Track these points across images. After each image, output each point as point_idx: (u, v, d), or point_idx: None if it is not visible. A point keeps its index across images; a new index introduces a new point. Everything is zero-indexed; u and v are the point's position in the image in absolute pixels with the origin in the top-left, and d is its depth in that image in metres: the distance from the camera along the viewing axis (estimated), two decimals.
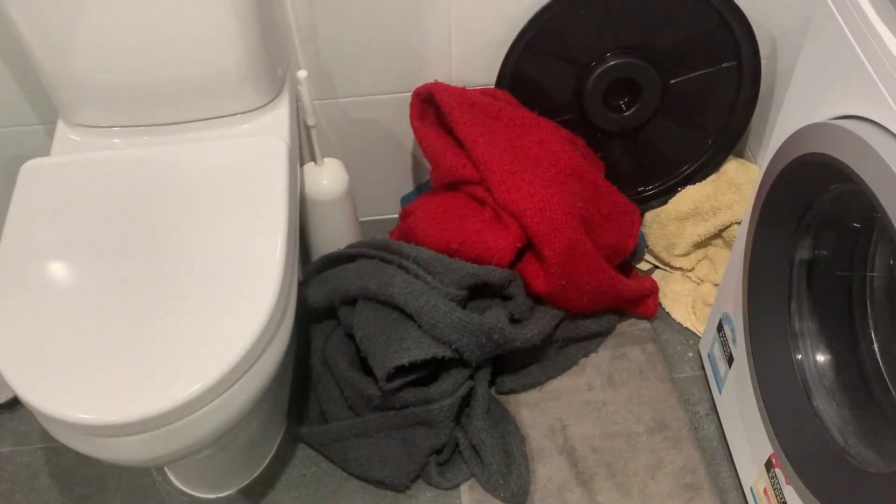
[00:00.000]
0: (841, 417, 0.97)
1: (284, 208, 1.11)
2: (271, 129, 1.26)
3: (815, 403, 0.98)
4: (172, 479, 1.33)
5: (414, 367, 1.26)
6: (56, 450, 1.38)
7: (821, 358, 1.01)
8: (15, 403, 1.43)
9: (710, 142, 1.53)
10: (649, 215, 1.58)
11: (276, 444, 1.38)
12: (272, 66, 1.26)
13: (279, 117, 1.29)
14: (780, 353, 1.03)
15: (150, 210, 1.11)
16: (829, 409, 0.98)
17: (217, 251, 1.07)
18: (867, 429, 0.94)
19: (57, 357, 0.97)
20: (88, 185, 1.15)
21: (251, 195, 1.13)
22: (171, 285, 1.03)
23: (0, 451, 1.39)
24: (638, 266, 1.61)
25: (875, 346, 1.00)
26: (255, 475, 1.34)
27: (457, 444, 1.34)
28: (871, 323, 0.99)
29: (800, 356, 1.02)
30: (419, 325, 1.26)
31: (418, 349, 1.24)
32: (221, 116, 1.27)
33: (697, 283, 1.55)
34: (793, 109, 0.99)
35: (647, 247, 1.59)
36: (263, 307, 1.01)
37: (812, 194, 0.96)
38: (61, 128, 1.28)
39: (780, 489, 1.12)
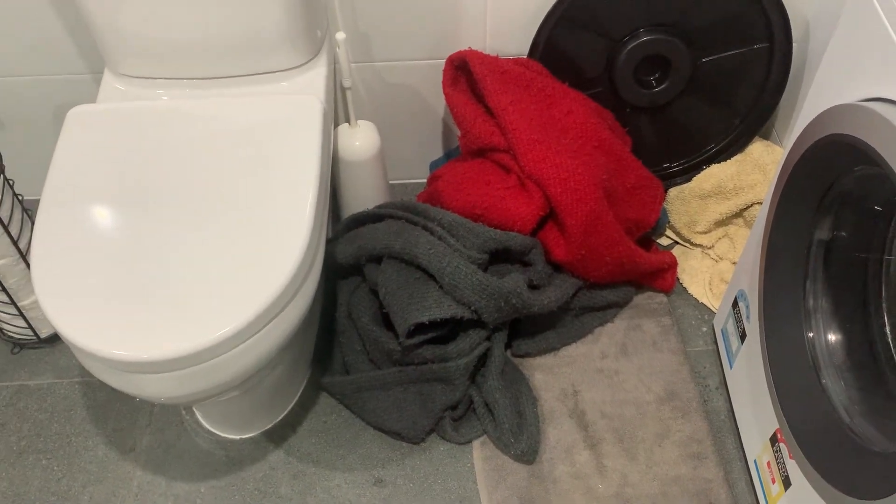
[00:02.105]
0: (848, 396, 0.95)
1: (316, 165, 1.11)
2: (308, 89, 1.26)
3: (823, 381, 0.97)
4: (200, 418, 1.35)
5: (433, 325, 1.26)
6: (93, 384, 1.41)
7: (832, 337, 0.99)
8: (56, 338, 1.46)
9: (737, 122, 1.49)
10: (673, 191, 1.56)
11: (300, 391, 1.39)
12: (311, 26, 1.25)
13: (316, 77, 1.28)
14: (793, 331, 1.02)
15: (189, 159, 1.12)
16: (836, 387, 0.96)
17: (251, 202, 1.07)
18: (873, 408, 0.93)
19: (95, 295, 0.98)
20: (130, 132, 1.16)
21: (286, 151, 1.13)
22: (206, 233, 1.04)
23: (40, 383, 1.42)
24: (659, 241, 1.59)
25: (887, 328, 0.98)
26: (278, 419, 1.36)
27: (471, 402, 1.34)
28: (884, 305, 0.97)
29: (811, 334, 1.00)
30: (440, 286, 1.26)
31: (438, 308, 1.24)
32: (261, 73, 1.27)
33: (716, 261, 1.53)
34: (821, 90, 0.96)
35: (669, 222, 1.57)
36: (292, 258, 1.01)
37: (835, 175, 0.93)
38: (108, 77, 1.29)
39: (784, 463, 1.11)
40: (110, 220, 1.05)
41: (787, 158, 1.01)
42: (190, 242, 1.03)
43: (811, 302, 1.00)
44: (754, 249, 1.18)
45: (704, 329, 1.47)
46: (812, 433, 0.97)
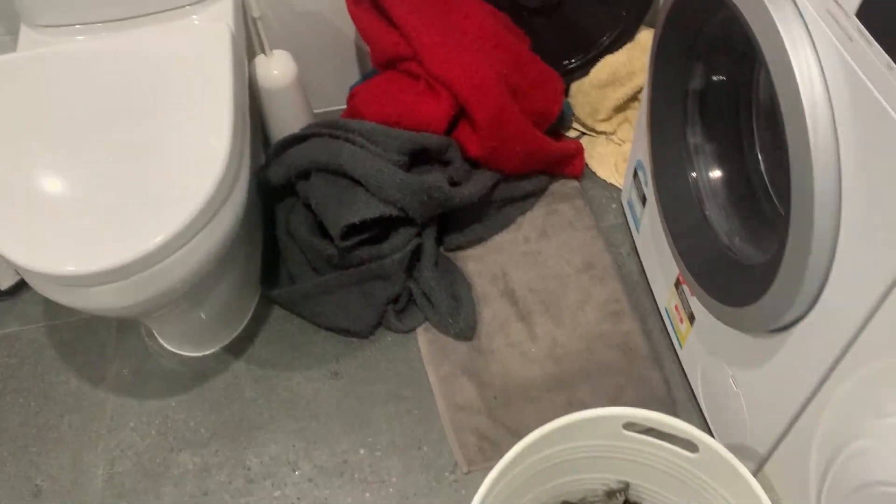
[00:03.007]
0: (729, 224, 0.99)
1: (229, 79, 1.10)
2: (218, 19, 1.23)
3: (707, 213, 1.01)
4: (162, 342, 1.35)
5: (365, 226, 1.27)
6: (58, 327, 1.40)
7: (713, 175, 1.03)
8: (16, 289, 1.44)
9: (624, 13, 1.50)
10: (574, 86, 1.57)
11: (253, 307, 1.40)
12: None
13: (224, 8, 1.26)
14: (679, 176, 1.05)
15: (110, 92, 1.10)
16: (719, 217, 1.00)
17: (173, 124, 1.06)
18: (750, 231, 0.97)
19: (37, 223, 0.97)
20: (50, 74, 1.13)
21: (200, 72, 1.12)
22: (134, 157, 1.03)
23: (7, 332, 1.40)
24: (567, 134, 1.61)
25: (761, 164, 1.02)
26: (236, 334, 1.37)
27: (411, 295, 1.36)
28: (756, 142, 1.01)
29: (694, 174, 1.03)
30: (367, 189, 1.27)
31: (367, 209, 1.25)
32: (172, 9, 1.24)
33: (619, 144, 1.56)
34: None
35: (574, 115, 1.59)
36: (216, 168, 1.02)
37: (699, 23, 0.95)
38: (25, 31, 1.25)
39: (687, 301, 1.15)
40: (42, 154, 1.04)
41: (658, 18, 1.03)
42: (120, 166, 1.02)
43: (692, 145, 1.03)
44: (644, 116, 1.20)
45: (614, 206, 1.50)
46: (703, 263, 1.01)
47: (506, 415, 1.23)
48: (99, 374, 1.33)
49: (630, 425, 0.94)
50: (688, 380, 1.23)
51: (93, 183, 1.00)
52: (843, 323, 0.76)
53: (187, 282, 1.03)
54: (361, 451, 1.21)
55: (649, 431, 0.93)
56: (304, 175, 1.34)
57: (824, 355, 0.80)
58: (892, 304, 0.69)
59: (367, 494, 1.17)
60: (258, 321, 1.39)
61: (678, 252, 1.08)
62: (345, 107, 1.66)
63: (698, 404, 1.19)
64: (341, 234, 1.25)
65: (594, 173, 1.55)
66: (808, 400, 0.85)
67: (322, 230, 1.34)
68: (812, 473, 0.85)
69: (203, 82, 1.10)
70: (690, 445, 0.92)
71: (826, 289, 0.78)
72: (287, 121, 1.48)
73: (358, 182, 1.28)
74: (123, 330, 1.38)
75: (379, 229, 1.31)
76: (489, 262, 1.43)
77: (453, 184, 1.37)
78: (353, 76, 1.62)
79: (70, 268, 0.93)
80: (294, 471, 1.20)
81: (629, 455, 0.97)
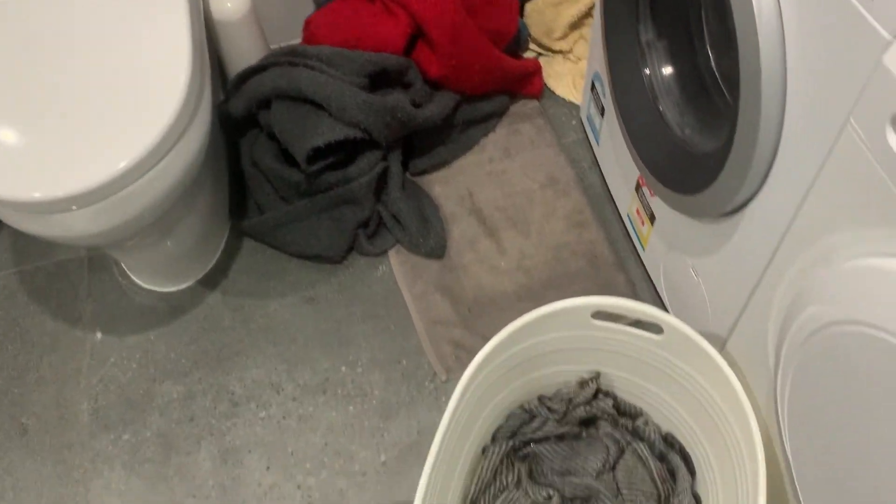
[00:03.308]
0: (682, 117, 1.02)
1: (184, 4, 1.08)
2: None
3: (661, 108, 1.03)
4: (135, 279, 1.36)
5: (330, 150, 1.28)
6: (28, 272, 1.39)
7: (666, 71, 1.05)
8: None
9: None
10: (528, 6, 1.57)
11: (224, 240, 1.40)
12: None
13: None
14: (634, 73, 1.07)
15: (67, 24, 1.09)
16: (673, 113, 1.03)
17: (132, 52, 1.05)
18: (703, 123, 1.00)
19: (4, 152, 0.96)
20: (8, 8, 1.11)
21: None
22: (95, 85, 1.02)
23: None
24: (524, 55, 1.62)
25: (711, 61, 1.05)
26: (209, 267, 1.37)
27: (380, 218, 1.38)
28: (706, 37, 1.03)
29: (648, 71, 1.06)
30: (330, 113, 1.27)
31: (331, 132, 1.26)
32: None
33: (576, 62, 1.58)
34: None
35: (529, 35, 1.60)
36: (176, 96, 1.01)
37: None
38: None
39: (648, 203, 1.19)
40: (3, 83, 1.02)
41: None
42: (81, 95, 1.01)
43: (644, 42, 1.05)
44: (598, 27, 1.22)
45: (574, 122, 1.53)
46: (660, 159, 1.04)
47: (480, 324, 1.26)
48: (75, 315, 1.33)
49: (598, 316, 0.98)
50: (651, 281, 1.28)
51: (55, 111, 0.99)
52: (789, 199, 0.80)
53: (154, 209, 1.04)
54: (343, 369, 1.25)
55: (618, 323, 0.98)
56: (266, 104, 1.34)
57: (774, 231, 0.84)
58: (826, 179, 0.73)
59: (351, 408, 1.20)
60: (230, 254, 1.39)
61: (636, 151, 1.10)
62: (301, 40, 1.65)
63: (662, 303, 1.24)
64: (307, 159, 1.26)
65: (553, 92, 1.57)
66: (762, 276, 0.90)
67: (287, 158, 1.35)
68: (770, 342, 0.90)
69: (158, 8, 1.09)
70: (656, 329, 0.96)
71: (773, 169, 0.82)
72: (243, 54, 1.46)
73: (320, 106, 1.28)
74: (96, 270, 1.38)
75: (344, 154, 1.31)
76: (455, 184, 1.45)
77: (415, 106, 1.37)
78: (308, 8, 1.60)
79: (37, 194, 0.93)
80: (277, 392, 1.23)
81: (599, 345, 1.02)
